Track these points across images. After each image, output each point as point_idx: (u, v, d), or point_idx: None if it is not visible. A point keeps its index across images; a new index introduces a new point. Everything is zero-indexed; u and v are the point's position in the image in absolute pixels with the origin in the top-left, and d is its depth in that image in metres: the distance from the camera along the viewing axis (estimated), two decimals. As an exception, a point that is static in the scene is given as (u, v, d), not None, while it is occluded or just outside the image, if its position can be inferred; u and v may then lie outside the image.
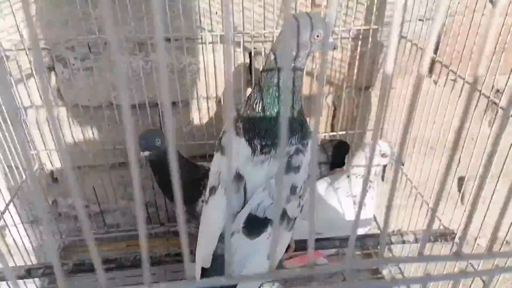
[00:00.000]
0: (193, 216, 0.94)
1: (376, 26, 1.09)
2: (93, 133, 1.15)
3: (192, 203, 0.94)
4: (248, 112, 0.68)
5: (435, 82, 1.18)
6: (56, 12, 0.99)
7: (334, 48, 0.70)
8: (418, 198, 1.09)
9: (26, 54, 1.02)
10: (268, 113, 0.66)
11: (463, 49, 0.90)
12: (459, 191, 1.04)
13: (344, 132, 1.23)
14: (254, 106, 0.67)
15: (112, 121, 1.14)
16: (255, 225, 0.64)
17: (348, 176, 0.99)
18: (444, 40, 1.00)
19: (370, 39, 1.09)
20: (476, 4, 0.88)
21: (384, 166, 1.06)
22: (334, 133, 1.24)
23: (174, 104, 1.11)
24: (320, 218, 0.93)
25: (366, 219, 0.99)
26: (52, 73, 1.09)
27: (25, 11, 0.21)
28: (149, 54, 1.07)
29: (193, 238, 0.78)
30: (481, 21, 0.90)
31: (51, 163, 1.20)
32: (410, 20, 1.08)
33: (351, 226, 0.33)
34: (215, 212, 0.67)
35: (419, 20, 1.10)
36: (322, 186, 1.03)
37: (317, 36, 0.64)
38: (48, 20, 1.00)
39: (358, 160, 0.98)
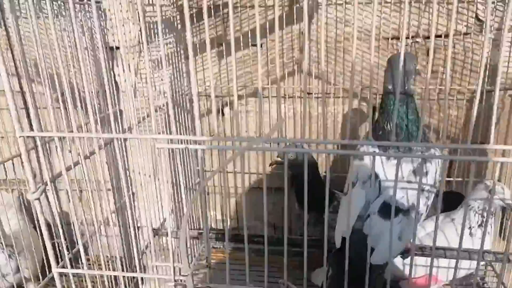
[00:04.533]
0: (320, 222, 1.16)
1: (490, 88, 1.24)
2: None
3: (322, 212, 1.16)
4: (379, 131, 0.93)
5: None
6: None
7: (419, 74, 0.95)
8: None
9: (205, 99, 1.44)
10: (397, 128, 0.89)
11: None
12: None
13: (461, 179, 1.35)
14: (385, 126, 0.92)
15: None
16: (387, 210, 0.82)
17: (464, 208, 1.08)
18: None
19: (480, 101, 1.24)
20: None
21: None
22: (451, 179, 1.37)
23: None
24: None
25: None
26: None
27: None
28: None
29: (317, 242, 0.97)
30: None
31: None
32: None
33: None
34: (355, 199, 0.89)
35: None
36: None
37: (415, 64, 0.91)
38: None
39: (475, 195, 1.08)
